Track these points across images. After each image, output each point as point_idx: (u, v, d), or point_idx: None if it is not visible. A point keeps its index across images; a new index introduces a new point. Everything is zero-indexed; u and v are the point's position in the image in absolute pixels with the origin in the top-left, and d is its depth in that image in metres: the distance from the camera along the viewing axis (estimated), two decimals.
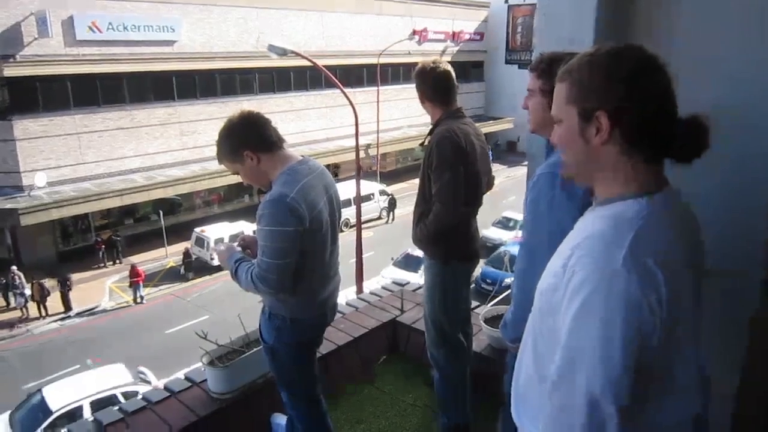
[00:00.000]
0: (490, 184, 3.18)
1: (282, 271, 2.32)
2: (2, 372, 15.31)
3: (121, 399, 11.25)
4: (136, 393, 11.32)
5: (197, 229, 21.85)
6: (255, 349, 3.21)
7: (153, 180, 21.95)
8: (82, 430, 3.05)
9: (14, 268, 18.40)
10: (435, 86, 2.96)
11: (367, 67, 29.80)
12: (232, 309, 15.86)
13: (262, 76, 26.09)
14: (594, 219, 1.26)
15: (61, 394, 11.72)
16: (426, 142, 2.99)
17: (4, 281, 18.52)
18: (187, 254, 21.19)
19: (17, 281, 18.18)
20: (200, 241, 21.32)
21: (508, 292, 7.09)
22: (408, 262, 19.04)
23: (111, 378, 12.35)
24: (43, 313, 18.46)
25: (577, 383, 1.09)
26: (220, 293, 19.04)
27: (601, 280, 1.09)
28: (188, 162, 23.37)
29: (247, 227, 20.64)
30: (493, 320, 3.83)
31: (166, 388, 3.41)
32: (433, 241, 3.02)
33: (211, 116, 23.30)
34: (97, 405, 11.22)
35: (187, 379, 3.46)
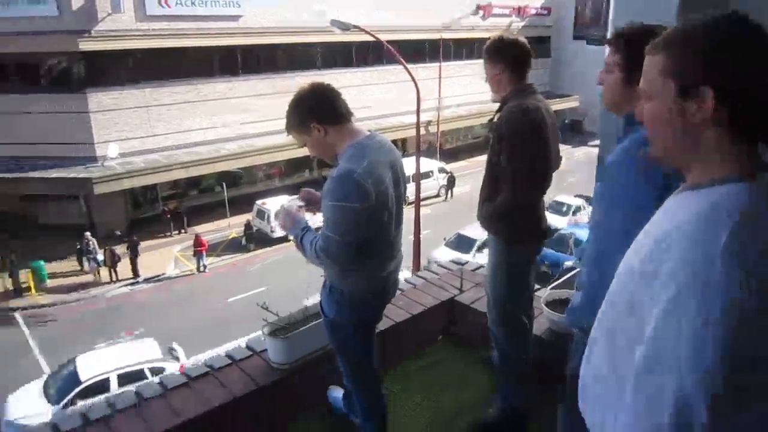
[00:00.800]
0: (557, 163, 3.07)
1: (346, 246, 2.32)
2: (72, 333, 16.23)
3: (148, 374, 11.77)
4: (163, 369, 11.85)
5: (258, 202, 22.35)
6: (315, 322, 3.24)
7: (217, 153, 22.54)
8: (150, 389, 3.17)
9: (88, 234, 19.35)
10: (514, 60, 2.84)
11: (430, 42, 29.42)
12: (292, 280, 16.35)
13: (324, 51, 26.18)
14: (685, 205, 1.14)
15: (92, 365, 12.20)
16: (495, 118, 2.90)
17: (79, 246, 19.53)
18: (248, 226, 21.75)
19: (91, 247, 19.15)
20: (261, 214, 21.82)
21: (570, 274, 6.89)
22: (460, 243, 18.77)
23: (141, 352, 12.74)
24: (114, 278, 19.41)
25: (666, 381, 1.01)
26: (279, 265, 19.47)
27: (696, 271, 1.00)
28: (250, 136, 23.80)
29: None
30: (554, 304, 3.74)
31: (227, 356, 3.50)
32: (500, 220, 2.95)
33: (275, 91, 23.58)
34: (125, 378, 11.75)
35: (248, 347, 3.53)
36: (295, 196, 2.79)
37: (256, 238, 21.66)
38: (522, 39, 2.86)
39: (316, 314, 3.27)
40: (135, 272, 19.57)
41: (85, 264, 19.69)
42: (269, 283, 17.87)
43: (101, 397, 11.38)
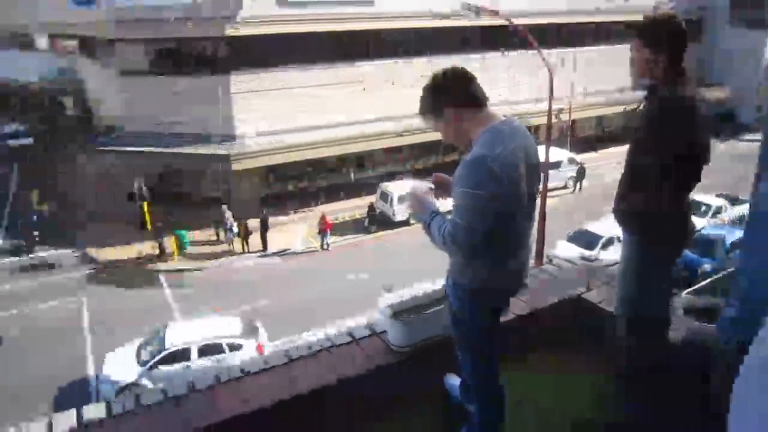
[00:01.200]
0: (707, 158, 2.78)
1: (473, 234, 2.25)
2: (204, 296, 17.56)
3: (226, 349, 12.58)
4: (240, 346, 12.66)
5: (383, 185, 22.76)
6: (438, 308, 3.23)
7: (346, 135, 23.19)
8: (275, 359, 3.32)
9: (225, 207, 20.76)
10: (671, 42, 2.57)
11: (563, 26, 28.14)
12: (413, 264, 16.51)
13: (453, 35, 25.90)
14: None
15: (178, 334, 13.03)
16: (641, 107, 2.68)
17: (217, 218, 21.02)
18: (371, 208, 22.24)
19: (227, 219, 20.54)
20: (385, 196, 22.21)
21: (710, 279, 6.35)
22: (584, 239, 17.88)
23: (223, 328, 13.40)
24: (246, 249, 20.73)
25: None
26: (400, 247, 19.75)
27: None
28: (380, 119, 24.20)
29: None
30: (693, 311, 3.44)
31: (348, 333, 3.58)
32: (640, 218, 2.74)
33: (403, 75, 23.76)
34: (204, 350, 12.60)
35: (368, 327, 3.59)
36: (424, 181, 2.76)
37: (378, 220, 22.12)
38: (679, 18, 2.60)
39: (439, 299, 3.26)
40: (264, 245, 20.76)
41: (221, 235, 21.18)
42: (389, 265, 18.18)
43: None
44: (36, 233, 21.10)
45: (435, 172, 2.72)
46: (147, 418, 2.85)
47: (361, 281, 17.33)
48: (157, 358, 12.48)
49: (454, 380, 3.31)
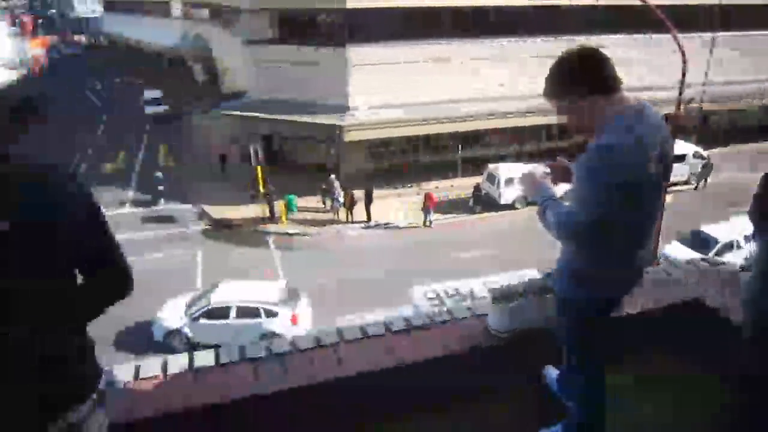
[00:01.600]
0: None
1: (591, 225, 2.13)
2: (334, 259, 18.38)
3: (262, 313, 13.20)
4: (276, 313, 13.25)
5: (491, 166, 22.38)
6: (542, 295, 3.14)
7: (456, 113, 22.95)
8: (373, 329, 3.37)
9: (333, 176, 21.31)
10: None
11: (702, 8, 25.95)
12: (515, 248, 16.21)
13: (576, 15, 24.66)
14: None
15: (225, 292, 13.68)
16: None
17: (324, 186, 21.64)
18: (477, 188, 21.96)
19: (334, 188, 21.09)
20: (492, 178, 21.84)
21: None
22: (698, 242, 16.26)
23: (266, 293, 13.89)
24: (350, 219, 21.24)
25: None
26: (503, 231, 19.43)
27: None
28: (494, 99, 23.70)
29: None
30: None
31: (448, 311, 3.57)
32: None
33: (522, 55, 23.04)
34: (242, 311, 13.23)
35: (468, 308, 3.57)
36: (540, 164, 2.66)
37: (483, 201, 21.83)
38: None
39: (545, 288, 3.16)
40: (368, 216, 21.16)
41: (328, 203, 21.81)
42: (491, 248, 17.94)
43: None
44: (161, 188, 22.73)
45: (556, 156, 2.61)
46: (251, 369, 3.00)
47: (462, 260, 17.23)
48: (200, 312, 13.37)
49: (553, 372, 3.22)
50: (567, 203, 2.25)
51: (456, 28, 23.44)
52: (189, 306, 13.82)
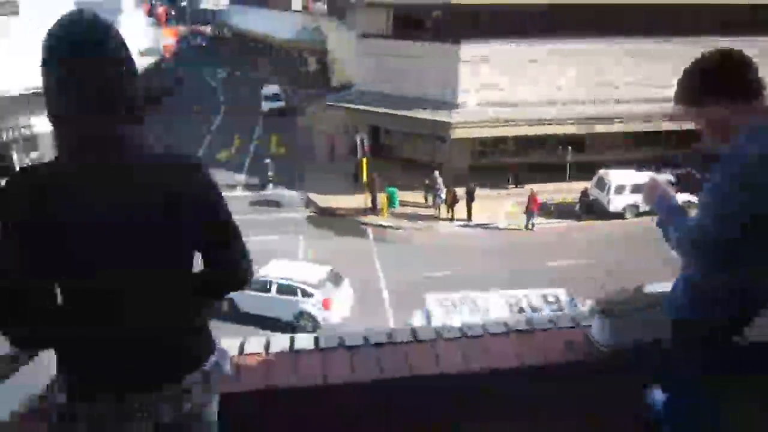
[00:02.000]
0: None
1: (719, 242, 1.97)
2: (404, 253, 18.37)
3: (299, 294, 14.04)
4: (312, 294, 13.91)
5: (601, 171, 21.39)
6: (654, 310, 2.96)
7: (567, 114, 22.15)
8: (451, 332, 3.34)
9: (436, 172, 21.26)
10: None
11: None
12: (617, 260, 15.47)
13: (708, 14, 22.91)
14: None
15: (271, 268, 14.75)
16: None
17: (427, 182, 21.65)
18: (585, 194, 21.11)
19: (437, 184, 21.06)
20: (601, 184, 20.90)
21: None
22: None
23: (307, 274, 14.65)
24: (450, 217, 21.14)
25: None
26: (608, 240, 18.55)
27: None
28: (609, 101, 22.67)
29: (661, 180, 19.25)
30: None
31: (549, 320, 3.46)
32: None
33: (642, 55, 21.82)
34: (282, 287, 14.14)
35: (571, 318, 3.44)
36: (663, 173, 2.50)
37: (590, 208, 20.94)
38: None
39: (657, 302, 2.98)
40: (469, 215, 20.96)
41: (429, 199, 21.82)
42: (591, 257, 17.17)
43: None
44: (270, 174, 23.73)
45: (674, 164, 2.44)
46: (348, 356, 3.06)
47: (562, 269, 16.64)
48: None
49: (659, 395, 3.03)
50: (693, 215, 2.10)
51: (573, 26, 22.51)
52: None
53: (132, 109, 1.66)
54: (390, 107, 22.96)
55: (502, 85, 22.49)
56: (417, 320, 12.57)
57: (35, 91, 22.23)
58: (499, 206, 22.05)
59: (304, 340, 3.18)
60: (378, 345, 3.12)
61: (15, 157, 23.63)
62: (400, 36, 24.03)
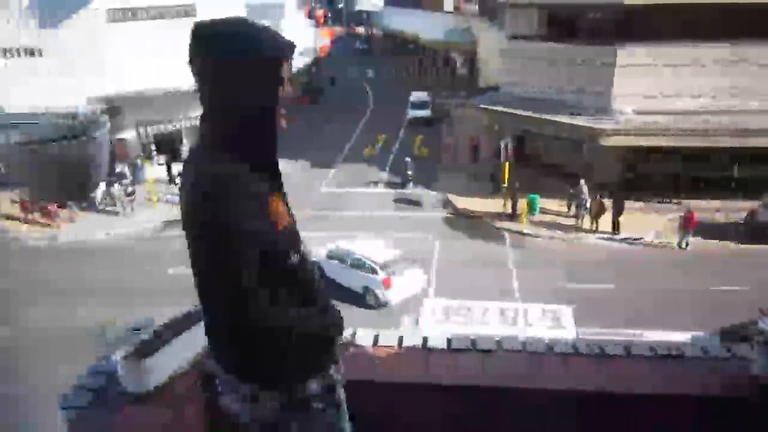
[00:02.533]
0: None
1: None
2: (540, 261, 17.70)
3: (368, 271, 15.46)
4: (376, 272, 15.36)
5: None
6: None
7: (736, 125, 20.07)
8: (612, 349, 3.16)
9: (582, 181, 20.29)
10: None
11: None
12: None
13: None
14: None
15: (349, 243, 16.64)
16: None
17: (572, 191, 20.69)
18: (752, 214, 19.08)
19: (582, 194, 20.09)
20: None
21: None
22: None
23: (379, 253, 16.02)
24: (594, 228, 20.08)
25: None
26: None
27: None
28: None
29: None
30: None
31: (702, 348, 3.17)
32: None
33: None
34: (354, 261, 15.85)
35: (728, 350, 3.13)
36: None
37: (756, 231, 18.75)
38: None
39: None
40: (615, 228, 19.78)
41: (573, 208, 20.88)
42: (759, 285, 15.38)
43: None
44: (410, 173, 24.08)
45: None
46: (480, 359, 3.02)
47: (723, 295, 15.13)
48: (330, 252, 16.48)
49: None
50: None
51: (746, 29, 20.25)
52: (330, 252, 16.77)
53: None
54: (537, 111, 22.30)
55: (661, 91, 20.92)
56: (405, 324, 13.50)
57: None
58: (648, 221, 20.55)
59: (437, 340, 3.19)
60: (510, 351, 3.06)
61: (184, 142, 26.13)
62: (551, 38, 23.26)
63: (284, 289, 1.77)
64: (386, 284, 15.22)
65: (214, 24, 1.70)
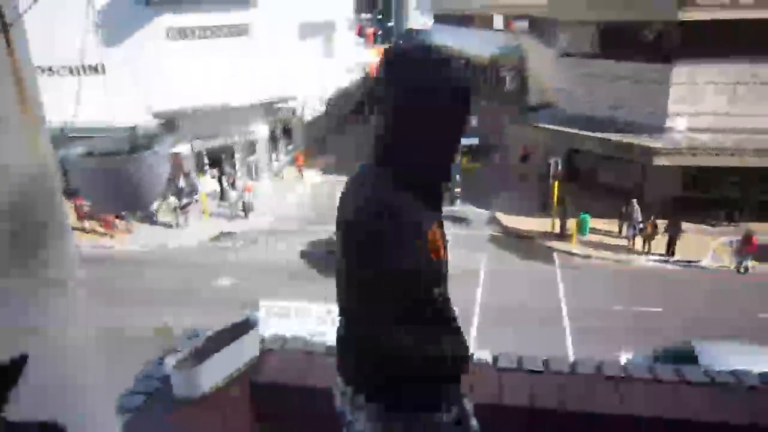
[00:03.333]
0: None
1: None
2: (591, 286, 17.27)
3: None
4: None
5: None
6: None
7: None
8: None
9: (635, 201, 19.78)
10: None
11: None
12: None
13: None
14: None
15: None
16: None
17: (624, 211, 20.20)
18: None
19: (635, 214, 19.58)
20: None
21: None
22: None
23: None
24: (647, 250, 19.50)
25: None
26: None
27: None
28: None
29: None
30: None
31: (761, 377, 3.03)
32: None
33: None
34: None
35: None
36: None
37: None
38: None
39: None
40: (670, 250, 19.14)
41: (624, 229, 20.35)
42: None
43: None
44: (458, 190, 23.97)
45: None
46: (529, 379, 2.97)
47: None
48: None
49: None
50: None
51: None
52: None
53: None
54: (588, 129, 21.90)
55: (720, 110, 20.26)
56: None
57: (256, 103, 25.13)
58: (703, 243, 19.81)
59: (507, 359, 3.15)
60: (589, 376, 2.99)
61: (237, 156, 26.83)
62: (603, 55, 22.85)
63: (427, 316, 1.77)
64: None
65: (411, 52, 1.74)
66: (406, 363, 1.73)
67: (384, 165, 1.74)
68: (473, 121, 32.66)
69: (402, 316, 1.66)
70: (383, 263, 1.61)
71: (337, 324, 1.92)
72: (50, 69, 21.23)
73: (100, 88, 21.90)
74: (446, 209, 17.98)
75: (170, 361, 3.02)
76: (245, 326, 3.36)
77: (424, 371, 1.77)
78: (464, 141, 31.44)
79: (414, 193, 1.68)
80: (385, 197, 1.67)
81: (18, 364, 1.09)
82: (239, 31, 25.00)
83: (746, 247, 17.84)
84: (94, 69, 22.67)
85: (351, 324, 1.82)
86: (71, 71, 22.09)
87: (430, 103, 1.64)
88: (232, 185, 25.55)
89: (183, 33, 24.32)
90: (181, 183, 24.05)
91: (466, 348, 1.88)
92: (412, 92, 1.65)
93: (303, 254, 20.25)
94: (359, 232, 1.67)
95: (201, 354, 3.07)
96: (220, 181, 25.81)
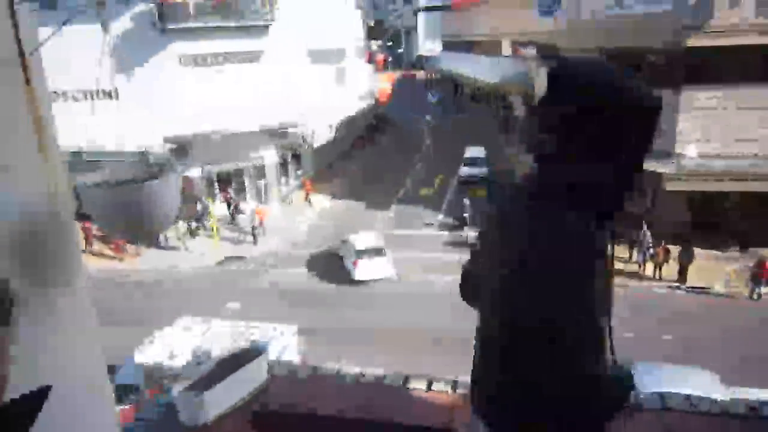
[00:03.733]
0: None
1: None
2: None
3: (351, 254, 19.85)
4: (352, 255, 19.84)
5: None
6: None
7: None
8: None
9: (645, 226, 19.65)
10: None
11: None
12: None
13: None
14: None
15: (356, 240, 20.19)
16: None
17: (635, 237, 20.03)
18: None
19: (645, 240, 19.43)
20: None
21: None
22: None
23: (361, 241, 19.97)
24: (657, 276, 19.31)
25: None
26: None
27: None
28: None
29: None
30: None
31: None
32: None
33: None
34: (346, 246, 20.51)
35: None
36: None
37: None
38: None
39: None
40: (682, 276, 18.95)
41: (634, 254, 20.18)
42: None
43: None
44: (466, 215, 23.91)
45: None
46: None
47: None
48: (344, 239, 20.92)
49: None
50: None
51: None
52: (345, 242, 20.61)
53: None
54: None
55: (726, 135, 20.23)
56: None
57: (266, 129, 25.37)
58: (715, 269, 19.63)
59: None
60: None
61: (247, 181, 27.05)
62: None
63: (598, 346, 1.71)
64: (355, 265, 19.38)
65: (588, 72, 1.68)
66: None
67: (553, 196, 1.65)
68: (480, 153, 32.75)
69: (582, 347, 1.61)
70: (567, 285, 1.56)
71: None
72: (65, 93, 21.54)
73: (114, 112, 22.30)
74: (454, 234, 18.07)
75: (177, 388, 3.01)
76: (252, 353, 3.34)
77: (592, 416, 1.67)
78: (470, 170, 31.30)
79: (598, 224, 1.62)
80: (574, 222, 1.60)
81: (38, 398, 1.02)
82: (251, 57, 25.35)
83: (760, 273, 17.65)
84: (108, 94, 22.99)
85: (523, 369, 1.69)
86: (86, 96, 22.42)
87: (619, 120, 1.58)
88: (236, 209, 25.68)
89: (196, 60, 24.70)
90: (197, 207, 24.23)
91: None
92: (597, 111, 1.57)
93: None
94: (542, 252, 1.59)
95: (207, 381, 3.05)
96: (229, 205, 25.95)
